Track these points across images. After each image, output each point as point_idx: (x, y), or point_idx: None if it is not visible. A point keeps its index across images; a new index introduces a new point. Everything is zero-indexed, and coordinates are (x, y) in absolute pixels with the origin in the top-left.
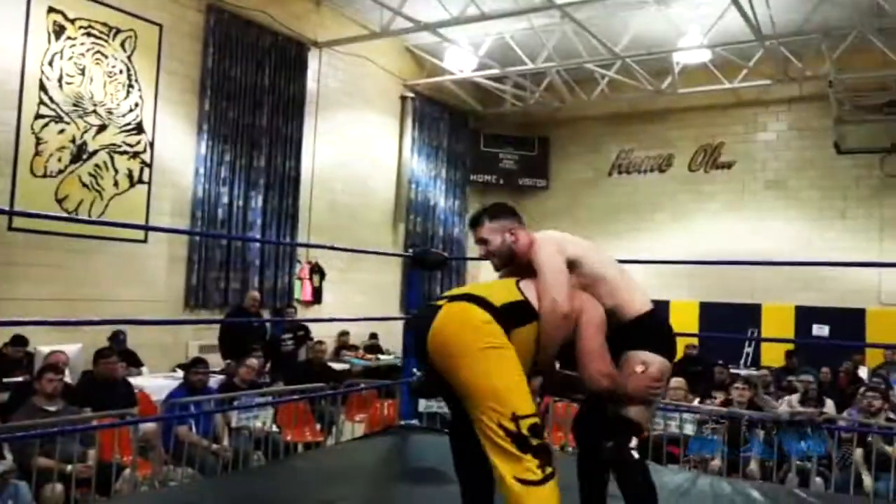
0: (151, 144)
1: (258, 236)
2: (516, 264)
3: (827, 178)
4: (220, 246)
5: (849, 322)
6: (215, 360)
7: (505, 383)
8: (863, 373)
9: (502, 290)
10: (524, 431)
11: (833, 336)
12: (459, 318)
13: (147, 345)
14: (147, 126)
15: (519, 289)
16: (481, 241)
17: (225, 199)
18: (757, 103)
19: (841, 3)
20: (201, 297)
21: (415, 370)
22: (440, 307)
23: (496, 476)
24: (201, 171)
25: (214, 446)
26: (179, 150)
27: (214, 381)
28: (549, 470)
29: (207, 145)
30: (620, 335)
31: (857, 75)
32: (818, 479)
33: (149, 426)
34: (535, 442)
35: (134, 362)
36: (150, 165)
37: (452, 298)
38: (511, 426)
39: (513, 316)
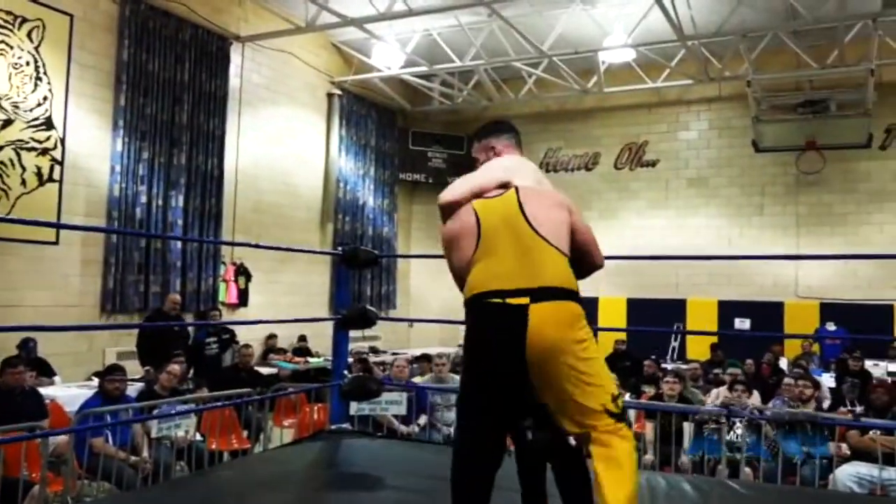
0: (62, 141)
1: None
2: None
3: (746, 175)
4: (138, 248)
5: (768, 315)
6: (134, 368)
7: (603, 368)
8: (783, 364)
9: (555, 261)
10: (620, 409)
11: (754, 329)
12: (564, 318)
13: (60, 353)
14: (57, 121)
15: (552, 244)
16: (474, 160)
17: (143, 199)
18: (679, 103)
19: (757, 5)
20: (118, 302)
21: (346, 372)
22: (516, 307)
23: (595, 454)
24: (117, 169)
25: (133, 458)
26: (93, 146)
27: (133, 389)
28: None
29: (124, 142)
30: None
31: (773, 76)
32: (747, 469)
33: (61, 438)
34: (626, 415)
35: (45, 371)
36: (61, 163)
37: (535, 295)
38: (613, 408)
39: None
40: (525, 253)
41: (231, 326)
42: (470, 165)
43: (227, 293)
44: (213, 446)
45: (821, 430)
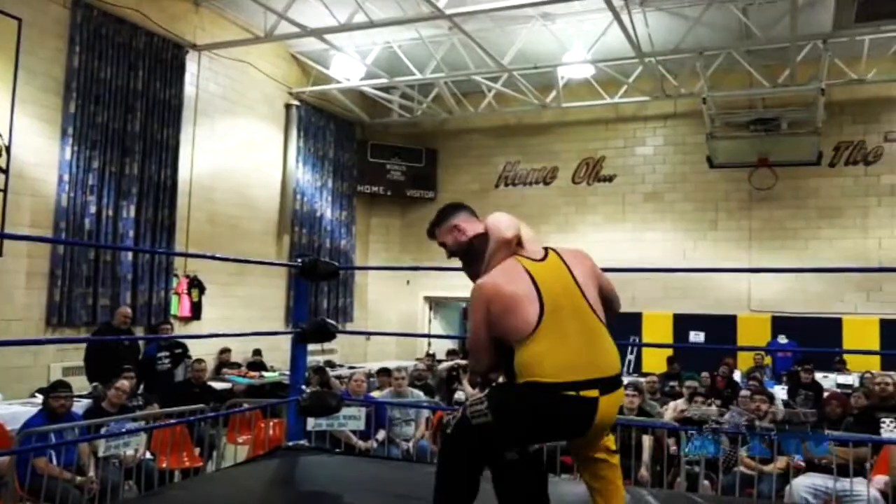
0: (7, 149)
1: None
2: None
3: (700, 191)
4: (87, 260)
5: (722, 328)
6: (81, 384)
7: None
8: (736, 376)
9: (611, 344)
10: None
11: (708, 341)
12: (620, 403)
13: (2, 368)
14: (2, 129)
15: (602, 320)
16: (442, 245)
17: (93, 209)
18: (636, 119)
19: (713, 25)
20: (65, 316)
21: (304, 387)
22: (589, 400)
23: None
24: (66, 178)
25: (79, 478)
26: (41, 155)
27: (80, 406)
28: None
29: (73, 150)
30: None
31: (727, 94)
32: (706, 482)
33: (1, 459)
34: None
35: None
36: (5, 171)
37: (603, 387)
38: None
39: None
40: (590, 338)
41: (184, 340)
42: (426, 178)
43: (180, 306)
44: (164, 465)
45: (821, 430)
